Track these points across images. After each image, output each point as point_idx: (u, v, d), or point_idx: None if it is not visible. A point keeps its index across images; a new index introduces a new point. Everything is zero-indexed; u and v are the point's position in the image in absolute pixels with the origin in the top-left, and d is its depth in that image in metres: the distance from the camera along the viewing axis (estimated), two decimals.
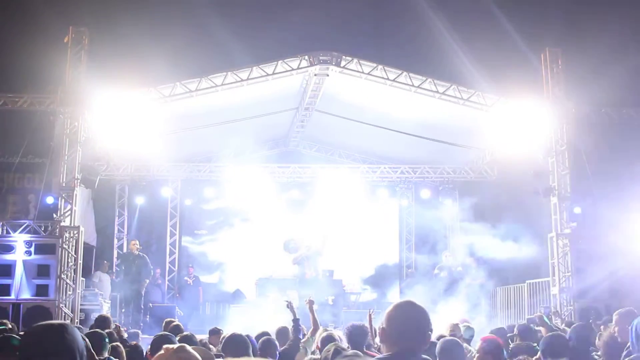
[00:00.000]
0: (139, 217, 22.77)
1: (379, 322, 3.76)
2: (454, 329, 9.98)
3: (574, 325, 7.00)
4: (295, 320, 8.80)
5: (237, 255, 22.20)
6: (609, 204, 16.10)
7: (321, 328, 9.15)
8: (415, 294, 19.48)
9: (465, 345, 8.58)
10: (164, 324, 10.44)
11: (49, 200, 15.61)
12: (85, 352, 2.90)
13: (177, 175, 21.91)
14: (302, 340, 8.67)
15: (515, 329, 9.81)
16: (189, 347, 3.26)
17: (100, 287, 19.18)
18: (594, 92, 17.26)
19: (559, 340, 6.48)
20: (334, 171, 21.67)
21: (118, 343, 7.59)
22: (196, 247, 23.34)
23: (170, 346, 3.23)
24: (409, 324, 3.54)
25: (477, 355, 6.37)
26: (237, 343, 6.15)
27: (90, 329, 9.13)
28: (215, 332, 9.98)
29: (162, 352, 3.24)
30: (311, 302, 10.22)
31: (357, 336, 7.42)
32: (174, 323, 9.84)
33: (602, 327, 10.16)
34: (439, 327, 9.59)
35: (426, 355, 3.69)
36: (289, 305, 9.59)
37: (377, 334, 8.65)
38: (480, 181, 22.10)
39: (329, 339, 7.69)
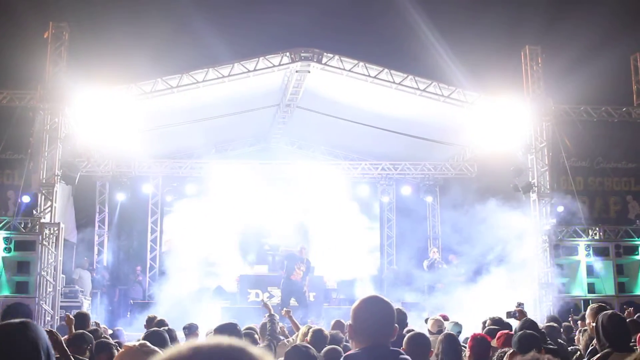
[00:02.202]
0: (119, 214, 22.66)
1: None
2: (440, 325, 10.04)
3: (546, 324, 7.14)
4: (271, 316, 8.85)
5: (218, 252, 22.15)
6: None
7: (305, 326, 9.19)
8: (397, 290, 19.65)
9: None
10: (147, 319, 10.36)
11: (25, 199, 15.56)
12: (50, 350, 2.89)
13: (158, 171, 21.84)
14: (285, 339, 8.74)
15: (487, 321, 9.92)
16: (150, 344, 3.29)
17: (81, 284, 19.09)
18: (573, 90, 17.47)
19: (530, 336, 6.57)
20: (315, 168, 21.70)
21: (102, 340, 7.55)
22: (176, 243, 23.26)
23: (131, 343, 3.25)
24: (375, 319, 3.57)
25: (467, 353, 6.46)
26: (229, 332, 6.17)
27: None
28: (192, 329, 9.78)
29: (123, 350, 3.26)
30: (288, 312, 10.32)
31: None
32: (158, 319, 9.77)
33: (579, 322, 10.27)
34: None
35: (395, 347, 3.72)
36: (264, 305, 9.64)
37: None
38: (460, 178, 22.23)
39: (319, 333, 7.74)
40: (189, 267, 20.70)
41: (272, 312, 9.04)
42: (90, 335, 7.27)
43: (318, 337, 7.59)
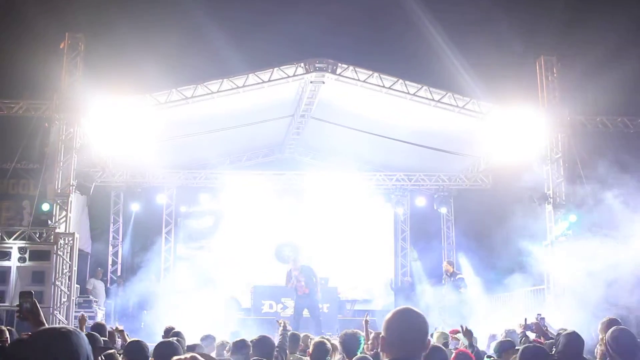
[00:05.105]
0: (134, 224, 22.72)
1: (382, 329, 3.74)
2: (445, 337, 10.04)
3: (566, 332, 7.01)
4: (284, 330, 8.80)
5: (231, 263, 22.14)
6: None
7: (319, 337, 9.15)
8: (411, 301, 19.47)
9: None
10: (164, 330, 10.34)
11: (45, 207, 15.59)
12: (92, 359, 2.88)
13: (172, 182, 21.88)
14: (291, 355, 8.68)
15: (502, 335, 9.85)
16: (200, 357, 3.24)
17: (95, 294, 19.14)
18: (588, 100, 17.35)
19: (538, 350, 6.52)
20: (329, 179, 21.67)
21: (112, 352, 7.53)
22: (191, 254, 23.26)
23: (182, 357, 3.21)
24: (408, 331, 3.52)
25: None
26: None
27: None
28: (209, 340, 9.80)
29: None
30: (281, 323, 9.80)
31: (351, 344, 7.48)
32: (174, 330, 9.74)
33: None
34: None
35: None
36: (278, 322, 9.47)
37: (372, 339, 8.71)
38: (475, 189, 22.13)
39: (320, 346, 7.71)
40: (203, 278, 20.68)
41: (286, 327, 8.96)
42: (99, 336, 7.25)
43: (319, 350, 7.59)
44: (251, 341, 7.76)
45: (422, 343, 3.54)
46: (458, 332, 10.50)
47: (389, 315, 3.61)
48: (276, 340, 9.25)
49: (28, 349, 2.79)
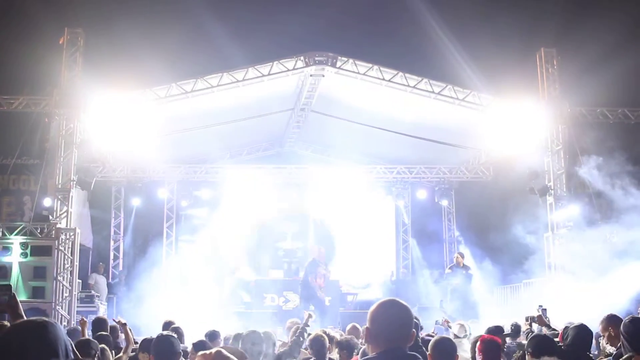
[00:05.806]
0: (135, 219, 22.70)
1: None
2: (466, 329, 10.07)
3: (574, 325, 7.01)
4: (304, 327, 8.76)
5: (233, 257, 22.16)
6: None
7: (319, 329, 9.12)
8: (409, 294, 19.50)
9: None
10: (163, 324, 10.31)
11: (47, 202, 15.59)
12: (71, 350, 2.89)
13: (173, 176, 21.88)
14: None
15: (509, 328, 9.86)
16: (225, 352, 3.24)
17: (96, 289, 19.15)
18: (589, 92, 17.30)
19: (545, 340, 6.55)
20: (329, 172, 21.67)
21: (104, 346, 7.55)
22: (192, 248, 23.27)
23: (207, 352, 3.21)
24: (392, 323, 3.50)
25: (478, 356, 6.40)
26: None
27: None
28: (214, 336, 9.73)
29: (199, 358, 3.23)
30: (310, 315, 9.81)
31: None
32: (174, 325, 9.71)
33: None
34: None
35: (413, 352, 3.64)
36: (309, 315, 9.41)
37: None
38: (476, 181, 22.13)
39: (318, 340, 7.72)
40: (204, 272, 20.72)
41: (308, 324, 8.90)
42: (96, 342, 7.24)
43: (318, 344, 7.61)
44: (236, 335, 7.75)
45: (406, 335, 3.52)
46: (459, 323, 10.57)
47: (373, 307, 3.58)
48: (289, 335, 9.23)
49: (5, 341, 2.81)
